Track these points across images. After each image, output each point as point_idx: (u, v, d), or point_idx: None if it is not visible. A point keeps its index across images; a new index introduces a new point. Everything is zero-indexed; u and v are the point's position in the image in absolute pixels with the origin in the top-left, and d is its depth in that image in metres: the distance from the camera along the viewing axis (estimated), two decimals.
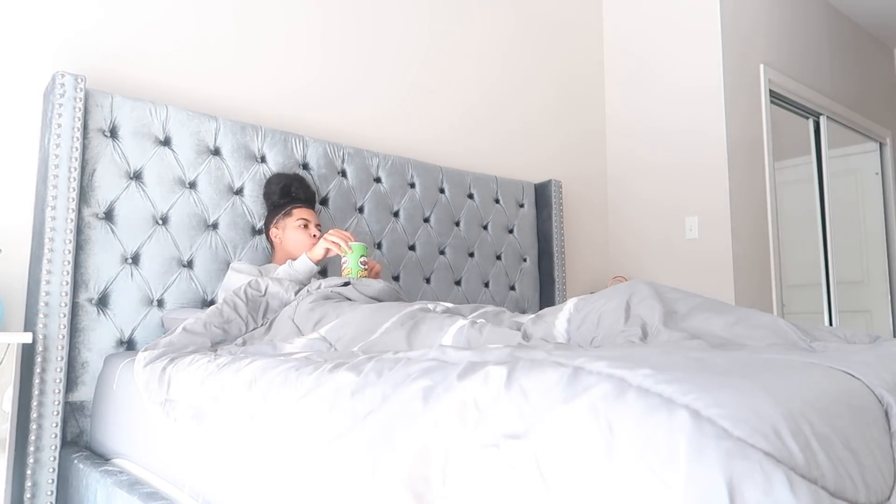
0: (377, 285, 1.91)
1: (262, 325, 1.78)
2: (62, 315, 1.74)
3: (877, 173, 4.60)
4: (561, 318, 1.36)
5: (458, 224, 2.83)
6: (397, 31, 2.89)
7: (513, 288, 2.99)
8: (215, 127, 2.16)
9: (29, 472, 1.68)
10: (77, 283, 1.84)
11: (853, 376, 0.72)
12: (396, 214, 2.64)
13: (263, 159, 2.27)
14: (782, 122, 3.87)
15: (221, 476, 1.14)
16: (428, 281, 2.70)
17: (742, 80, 3.37)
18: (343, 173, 2.50)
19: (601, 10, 3.86)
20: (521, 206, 3.07)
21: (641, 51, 3.64)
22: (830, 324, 3.99)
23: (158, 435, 1.38)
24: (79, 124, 1.84)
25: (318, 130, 2.58)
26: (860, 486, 0.58)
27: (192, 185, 2.10)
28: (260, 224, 2.23)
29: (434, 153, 2.94)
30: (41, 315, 1.72)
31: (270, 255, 2.22)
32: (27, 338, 1.56)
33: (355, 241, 1.99)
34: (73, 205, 1.79)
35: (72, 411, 1.82)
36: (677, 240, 3.38)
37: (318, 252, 1.96)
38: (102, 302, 1.89)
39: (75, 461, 1.65)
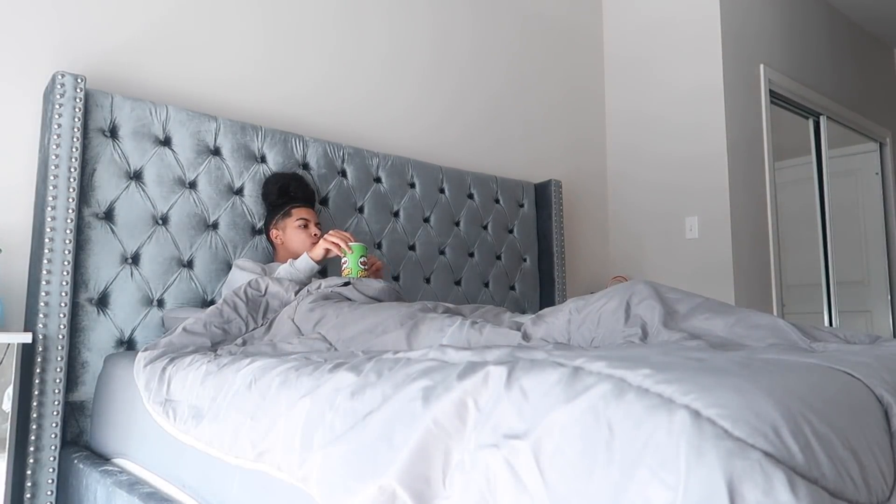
0: (377, 285, 1.92)
1: (262, 324, 1.78)
2: (62, 315, 1.74)
3: (877, 173, 4.60)
4: (561, 318, 1.36)
5: (457, 224, 2.83)
6: (398, 32, 2.89)
7: (513, 288, 2.99)
8: (215, 127, 2.16)
9: (29, 472, 1.68)
10: (77, 283, 1.84)
11: (853, 376, 0.72)
12: (396, 214, 2.64)
13: (263, 159, 2.27)
14: (782, 122, 3.87)
15: (221, 476, 1.14)
16: (428, 281, 2.70)
17: (742, 80, 3.37)
18: (343, 173, 2.49)
19: (601, 10, 3.86)
20: (521, 205, 3.07)
21: (641, 51, 3.64)
22: (830, 324, 3.99)
23: (158, 435, 1.38)
24: (79, 124, 1.83)
25: (318, 130, 2.58)
26: (860, 486, 0.58)
27: (192, 185, 2.10)
28: (260, 224, 2.22)
29: (434, 153, 2.94)
30: (41, 315, 1.71)
31: (272, 255, 2.22)
32: (27, 338, 1.56)
33: (355, 241, 1.99)
34: (73, 205, 1.79)
35: (72, 411, 1.81)
36: (677, 240, 3.38)
37: (319, 252, 1.97)
38: (102, 302, 1.89)
39: (75, 461, 1.65)
